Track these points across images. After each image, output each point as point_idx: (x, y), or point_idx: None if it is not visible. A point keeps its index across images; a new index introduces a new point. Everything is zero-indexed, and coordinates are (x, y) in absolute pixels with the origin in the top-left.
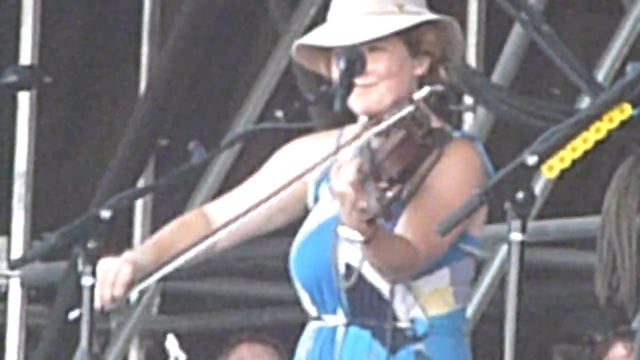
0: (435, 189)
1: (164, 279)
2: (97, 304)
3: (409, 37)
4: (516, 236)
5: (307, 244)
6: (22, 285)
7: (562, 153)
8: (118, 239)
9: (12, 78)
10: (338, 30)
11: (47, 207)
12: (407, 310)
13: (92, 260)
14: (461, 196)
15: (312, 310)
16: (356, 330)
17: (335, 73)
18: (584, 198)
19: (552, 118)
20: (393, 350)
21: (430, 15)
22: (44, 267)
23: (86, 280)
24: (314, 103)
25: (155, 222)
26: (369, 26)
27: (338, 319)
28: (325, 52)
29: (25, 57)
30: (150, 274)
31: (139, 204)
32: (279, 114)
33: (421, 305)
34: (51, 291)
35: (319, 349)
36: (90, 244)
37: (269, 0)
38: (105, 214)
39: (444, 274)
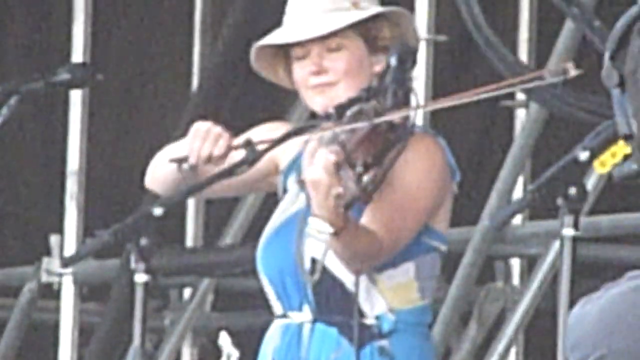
0: (399, 181)
1: (217, 275)
2: (192, 159)
3: (367, 34)
4: (568, 232)
5: (272, 240)
6: (75, 282)
7: (614, 148)
8: (170, 237)
9: (64, 76)
10: (294, 29)
11: (100, 204)
12: (372, 305)
13: (145, 257)
14: (424, 189)
15: (277, 306)
16: (322, 327)
17: (309, 68)
18: (638, 193)
19: (604, 114)
20: (359, 347)
21: (380, 8)
22: (96, 264)
23: (139, 278)
24: (365, 99)
25: (208, 219)
26: (325, 22)
27: (304, 315)
28: (284, 57)
29: (78, 55)
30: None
31: (192, 201)
32: (331, 110)
33: (386, 299)
34: (104, 289)
35: (286, 346)
36: (143, 241)
37: None
38: (158, 211)
39: (408, 267)
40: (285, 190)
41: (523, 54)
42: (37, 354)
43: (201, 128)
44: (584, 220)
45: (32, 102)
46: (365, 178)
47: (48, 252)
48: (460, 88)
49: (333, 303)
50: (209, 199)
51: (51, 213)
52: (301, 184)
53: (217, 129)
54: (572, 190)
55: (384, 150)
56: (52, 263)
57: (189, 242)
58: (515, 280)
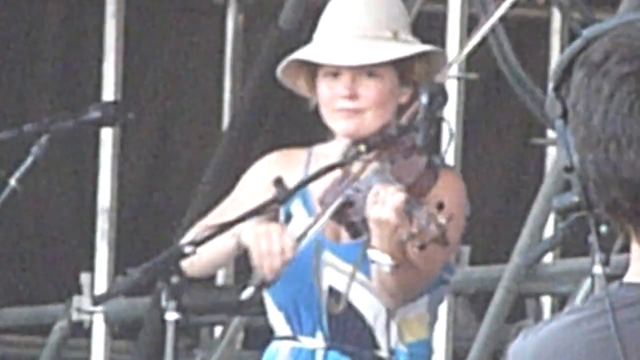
0: None
1: (247, 314)
2: (268, 276)
3: (402, 66)
4: (599, 269)
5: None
6: (106, 321)
7: None
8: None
9: (95, 114)
10: (336, 49)
11: (131, 242)
12: (387, 337)
13: (176, 295)
14: (455, 223)
15: (285, 329)
16: (335, 355)
17: (340, 91)
18: None
19: None
20: None
21: (424, 47)
22: (127, 302)
23: (170, 316)
24: (396, 137)
25: (239, 257)
26: (368, 50)
27: (317, 342)
28: (310, 68)
29: (109, 93)
30: (223, 226)
31: None
32: (362, 147)
33: (401, 332)
34: (135, 327)
35: None
36: (174, 279)
37: None
38: (189, 249)
39: (424, 301)
40: (288, 216)
41: None
42: None
43: (263, 239)
44: (614, 258)
45: (63, 140)
46: (441, 219)
47: (79, 291)
48: (490, 125)
49: (349, 333)
50: None
51: (82, 251)
52: (370, 220)
53: (277, 235)
54: (603, 228)
55: (429, 187)
56: (83, 301)
57: (220, 280)
58: (547, 318)
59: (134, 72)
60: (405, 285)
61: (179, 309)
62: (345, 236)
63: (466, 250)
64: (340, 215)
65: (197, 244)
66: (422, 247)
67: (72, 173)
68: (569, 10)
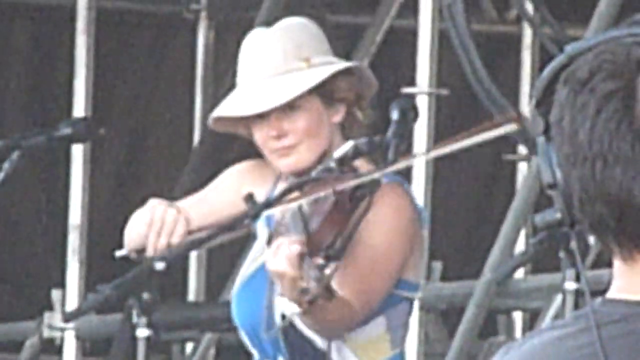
0: (367, 242)
1: (219, 330)
2: (150, 251)
3: (322, 90)
4: (571, 285)
5: (244, 290)
6: (77, 337)
7: None
8: (172, 291)
9: (66, 131)
10: (251, 96)
11: (102, 259)
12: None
13: (147, 312)
14: (394, 248)
15: (254, 353)
16: None
17: (267, 132)
18: None
19: None
20: None
21: (338, 65)
22: (98, 319)
23: (141, 332)
24: (368, 152)
25: (210, 273)
26: (281, 87)
27: None
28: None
29: (79, 109)
30: (195, 241)
31: (193, 255)
32: (333, 164)
33: (358, 356)
34: (106, 343)
35: None
36: (145, 296)
37: (329, 36)
38: (159, 265)
39: (380, 322)
40: (253, 236)
41: (525, 107)
42: None
43: (155, 217)
44: (589, 273)
45: (34, 156)
46: (327, 272)
47: (50, 307)
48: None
49: (305, 357)
50: (210, 255)
51: (53, 267)
52: (269, 239)
53: (171, 216)
54: (574, 244)
55: (348, 221)
56: (54, 318)
57: (191, 296)
58: (518, 334)
59: (104, 88)
60: (327, 323)
61: (150, 325)
62: None
63: (438, 266)
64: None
65: (167, 259)
66: (310, 303)
67: (43, 189)
68: (540, 26)
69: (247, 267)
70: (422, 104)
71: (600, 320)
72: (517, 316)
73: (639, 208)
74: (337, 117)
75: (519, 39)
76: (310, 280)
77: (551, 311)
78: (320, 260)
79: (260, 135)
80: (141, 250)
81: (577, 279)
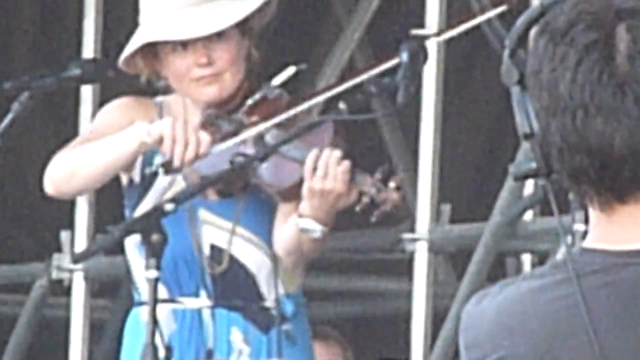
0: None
1: None
2: (177, 163)
3: (242, 21)
4: (580, 227)
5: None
6: (86, 279)
7: None
8: None
9: (75, 72)
10: (183, 21)
11: (111, 200)
12: (269, 289)
13: (155, 253)
14: None
15: (164, 290)
16: (223, 312)
17: (195, 60)
18: None
19: None
20: (265, 331)
21: None
22: (107, 260)
23: (150, 273)
24: (377, 95)
25: None
26: (215, 15)
27: (201, 301)
28: (149, 48)
29: (88, 50)
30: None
31: None
32: (342, 105)
33: (284, 283)
34: (115, 285)
35: (187, 332)
36: (154, 237)
37: None
38: (169, 207)
39: None
40: (143, 177)
41: None
42: (48, 350)
43: (178, 132)
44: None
45: (43, 98)
46: (392, 183)
47: (59, 249)
48: (471, 83)
49: (234, 288)
50: None
51: (62, 209)
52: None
53: (192, 128)
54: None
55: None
56: (62, 259)
57: None
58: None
59: (114, 29)
60: (318, 250)
61: (158, 267)
62: (212, 194)
63: (446, 208)
64: (227, 180)
65: (177, 200)
66: (379, 216)
67: (52, 130)
68: None
69: (155, 203)
70: (431, 46)
71: (579, 271)
72: (526, 258)
73: (619, 158)
74: (244, 51)
75: None
76: (374, 194)
77: (560, 253)
78: (377, 174)
79: (183, 64)
80: (167, 163)
81: (586, 220)
